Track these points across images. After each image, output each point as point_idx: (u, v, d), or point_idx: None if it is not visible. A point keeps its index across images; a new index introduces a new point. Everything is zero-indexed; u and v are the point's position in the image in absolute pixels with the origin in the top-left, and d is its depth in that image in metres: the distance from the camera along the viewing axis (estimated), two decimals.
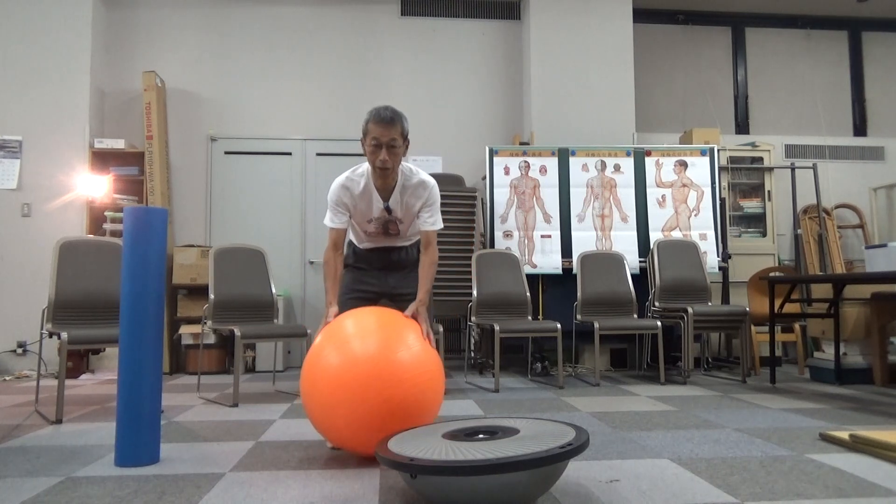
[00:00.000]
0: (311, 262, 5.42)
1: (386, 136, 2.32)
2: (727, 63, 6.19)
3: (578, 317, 4.40)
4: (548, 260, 4.83)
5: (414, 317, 2.32)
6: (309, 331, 3.64)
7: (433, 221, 2.54)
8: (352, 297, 2.60)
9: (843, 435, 2.41)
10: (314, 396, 2.10)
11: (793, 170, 5.71)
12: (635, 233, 4.91)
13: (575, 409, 3.24)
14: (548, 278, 4.88)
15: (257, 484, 1.96)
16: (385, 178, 2.42)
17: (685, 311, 4.19)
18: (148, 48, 5.41)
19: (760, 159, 5.58)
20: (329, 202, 2.52)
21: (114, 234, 4.80)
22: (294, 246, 5.43)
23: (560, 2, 5.47)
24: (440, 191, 2.61)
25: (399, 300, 2.62)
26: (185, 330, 4.82)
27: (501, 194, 4.92)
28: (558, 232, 4.88)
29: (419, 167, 2.59)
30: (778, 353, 5.08)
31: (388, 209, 2.50)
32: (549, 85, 5.43)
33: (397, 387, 2.03)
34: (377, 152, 2.34)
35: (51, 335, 3.12)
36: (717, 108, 6.11)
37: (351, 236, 2.69)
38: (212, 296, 3.77)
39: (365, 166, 2.50)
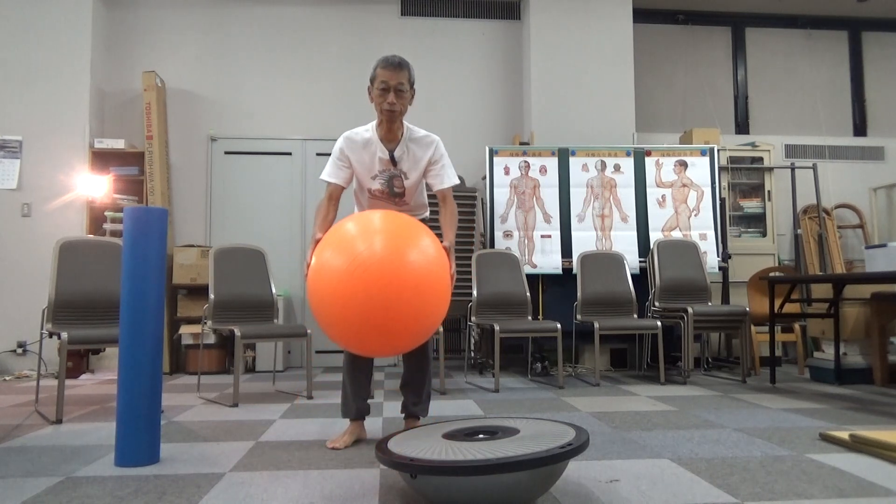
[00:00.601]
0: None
1: (394, 79, 2.33)
2: (727, 63, 6.19)
3: (578, 317, 4.40)
4: (548, 260, 4.83)
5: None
6: (309, 331, 3.64)
7: (446, 176, 2.46)
8: None
9: (843, 435, 2.41)
10: (316, 300, 1.96)
11: (793, 170, 5.71)
12: (635, 233, 4.91)
13: (575, 409, 3.24)
14: (548, 278, 4.88)
15: (257, 484, 1.96)
16: (392, 122, 2.39)
17: (685, 311, 4.19)
18: (148, 48, 5.42)
19: (760, 159, 5.58)
20: (331, 155, 2.48)
21: (114, 234, 4.80)
22: (294, 246, 5.43)
23: (560, 2, 5.47)
24: None
25: None
26: (185, 330, 4.82)
27: (501, 194, 4.92)
28: (558, 232, 4.88)
29: None
30: (778, 353, 5.08)
31: (393, 159, 2.43)
32: (549, 85, 5.43)
33: (403, 292, 1.86)
34: (385, 95, 2.34)
35: (51, 335, 3.12)
36: (717, 108, 6.11)
37: (356, 211, 2.64)
38: (212, 296, 3.77)
39: (371, 123, 2.48)
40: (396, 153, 2.43)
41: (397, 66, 2.34)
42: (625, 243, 4.88)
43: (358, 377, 2.51)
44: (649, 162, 5.01)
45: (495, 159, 4.97)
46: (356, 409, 2.51)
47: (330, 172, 2.45)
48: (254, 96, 5.49)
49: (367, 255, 1.88)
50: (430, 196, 2.65)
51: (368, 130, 2.46)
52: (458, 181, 2.52)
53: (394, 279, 1.86)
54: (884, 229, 6.02)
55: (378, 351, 2.00)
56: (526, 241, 4.87)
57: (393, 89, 2.33)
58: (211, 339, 4.79)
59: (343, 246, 1.95)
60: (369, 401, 2.56)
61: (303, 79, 5.55)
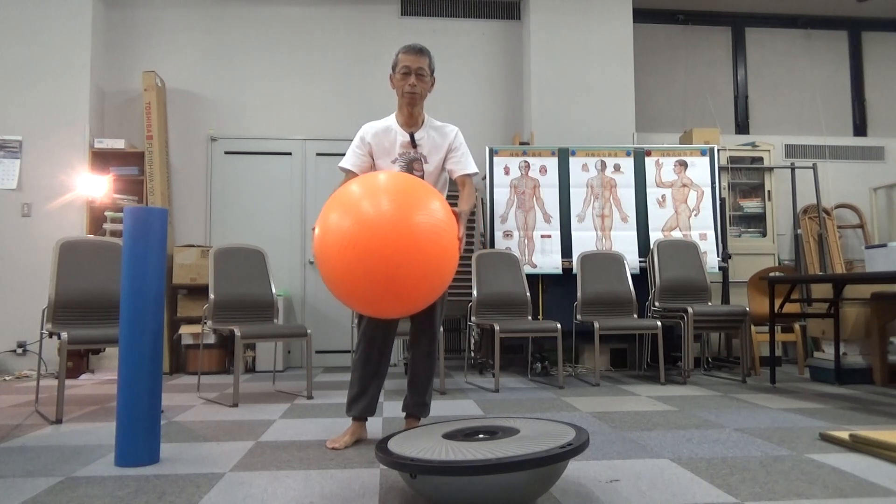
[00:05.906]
0: (311, 262, 5.42)
1: (415, 63, 2.44)
2: (727, 63, 6.19)
3: (578, 317, 4.40)
4: (548, 260, 4.83)
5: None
6: (309, 331, 3.64)
7: (466, 163, 2.54)
8: None
9: (843, 435, 2.41)
10: (325, 263, 1.95)
11: (793, 170, 5.71)
12: (635, 233, 4.91)
13: (575, 409, 3.24)
14: (548, 278, 4.88)
15: (257, 484, 1.96)
16: (412, 106, 2.49)
17: (685, 311, 4.19)
18: (148, 48, 5.41)
19: (760, 159, 5.58)
20: (351, 144, 2.54)
21: (114, 234, 4.80)
22: (294, 246, 5.43)
23: (560, 2, 5.47)
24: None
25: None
26: (185, 330, 4.82)
27: (501, 194, 4.92)
28: (558, 232, 4.88)
29: None
30: (778, 353, 5.08)
31: (413, 141, 2.50)
32: (549, 85, 5.43)
33: (412, 254, 1.86)
34: (406, 79, 2.45)
35: (51, 335, 3.12)
36: (717, 108, 6.11)
37: None
38: (212, 296, 3.77)
39: (391, 115, 2.57)
40: (417, 135, 2.52)
41: (418, 51, 2.45)
42: (625, 243, 4.87)
43: (368, 377, 2.50)
44: (649, 162, 5.01)
45: (495, 159, 4.97)
46: (361, 408, 2.51)
47: (347, 159, 2.52)
48: (254, 96, 5.49)
49: (373, 215, 1.88)
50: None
51: (389, 120, 2.56)
52: (477, 171, 2.60)
53: (400, 239, 1.86)
54: (884, 229, 6.02)
55: (387, 312, 2.02)
56: (526, 241, 4.86)
57: (414, 73, 2.44)
58: (211, 339, 4.79)
59: (348, 207, 1.94)
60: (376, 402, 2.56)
61: (303, 79, 5.55)
